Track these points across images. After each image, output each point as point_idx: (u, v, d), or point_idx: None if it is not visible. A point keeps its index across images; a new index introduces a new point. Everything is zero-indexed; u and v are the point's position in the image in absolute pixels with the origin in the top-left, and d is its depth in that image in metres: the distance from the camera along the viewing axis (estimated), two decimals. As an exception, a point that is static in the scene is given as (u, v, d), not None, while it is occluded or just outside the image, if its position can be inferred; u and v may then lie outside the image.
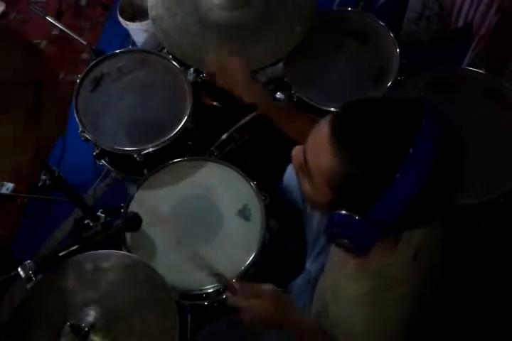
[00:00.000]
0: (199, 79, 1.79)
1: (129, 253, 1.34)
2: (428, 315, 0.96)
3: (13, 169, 1.11)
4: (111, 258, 1.24)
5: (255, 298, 1.02)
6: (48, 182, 1.83)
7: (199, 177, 1.51)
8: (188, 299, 1.37)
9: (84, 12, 2.68)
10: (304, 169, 0.83)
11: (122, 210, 1.45)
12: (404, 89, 1.59)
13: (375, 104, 0.78)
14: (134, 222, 1.28)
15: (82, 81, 1.62)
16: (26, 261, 1.07)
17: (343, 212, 0.78)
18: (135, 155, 1.54)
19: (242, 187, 1.47)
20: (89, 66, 1.65)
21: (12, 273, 1.07)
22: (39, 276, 1.07)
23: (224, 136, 1.71)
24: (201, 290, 1.34)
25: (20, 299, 1.19)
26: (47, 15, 1.82)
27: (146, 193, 1.49)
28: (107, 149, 1.56)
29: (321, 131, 0.78)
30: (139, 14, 2.31)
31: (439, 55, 2.24)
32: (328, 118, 0.79)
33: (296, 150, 0.86)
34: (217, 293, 1.36)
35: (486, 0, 1.97)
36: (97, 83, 1.64)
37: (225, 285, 1.19)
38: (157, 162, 1.53)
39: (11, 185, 2.14)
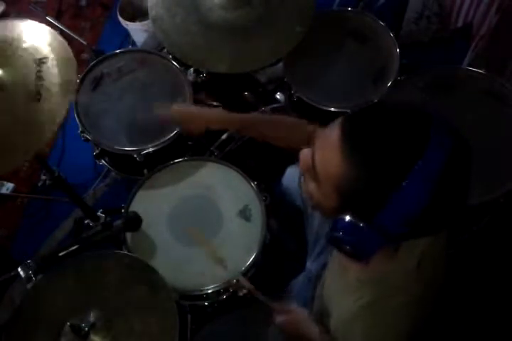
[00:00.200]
0: (199, 79, 1.79)
1: (129, 253, 1.34)
2: (428, 321, 0.96)
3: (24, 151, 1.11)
4: (111, 258, 1.24)
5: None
6: (47, 182, 1.83)
7: (199, 178, 1.51)
8: (188, 299, 1.37)
9: (84, 12, 2.68)
10: (311, 173, 0.82)
11: (122, 210, 1.45)
12: (405, 89, 1.59)
13: (387, 111, 0.77)
14: (134, 222, 1.28)
15: (82, 81, 1.62)
16: (26, 261, 1.07)
17: (348, 217, 0.77)
18: (135, 155, 1.54)
19: (243, 187, 1.47)
20: (89, 66, 1.65)
21: (12, 273, 1.07)
22: (39, 276, 1.07)
23: (224, 136, 1.71)
24: (201, 290, 1.34)
25: (20, 299, 1.19)
26: (47, 15, 1.83)
27: (147, 193, 1.49)
28: (107, 149, 1.56)
29: (332, 136, 0.77)
30: (139, 14, 2.31)
31: (439, 55, 2.24)
32: (338, 122, 0.78)
33: (304, 153, 0.85)
34: (218, 293, 1.36)
35: (486, 0, 1.97)
36: (97, 83, 1.64)
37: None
38: (157, 162, 1.53)
39: (11, 185, 2.14)
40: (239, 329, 1.38)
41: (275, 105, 1.79)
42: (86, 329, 1.09)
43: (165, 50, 1.81)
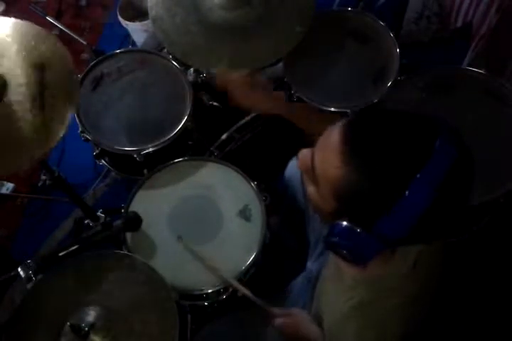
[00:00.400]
0: (199, 79, 1.79)
1: (129, 253, 1.34)
2: (427, 321, 0.96)
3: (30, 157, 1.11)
4: (111, 258, 1.24)
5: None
6: (48, 182, 1.83)
7: (199, 178, 1.51)
8: (188, 299, 1.37)
9: (84, 12, 2.68)
10: (311, 174, 0.81)
11: (122, 210, 1.45)
12: (405, 89, 1.59)
13: (390, 116, 0.76)
14: (134, 222, 1.29)
15: (82, 81, 1.62)
16: (26, 261, 1.07)
17: (345, 223, 0.76)
18: (135, 155, 1.54)
19: (243, 187, 1.47)
20: (89, 66, 1.65)
21: (12, 273, 1.07)
22: (39, 276, 1.07)
23: (224, 136, 1.71)
24: (201, 290, 1.34)
25: (20, 299, 1.19)
26: (47, 15, 1.82)
27: (147, 193, 1.49)
28: (107, 149, 1.56)
29: (332, 139, 0.76)
30: (139, 14, 2.31)
31: (439, 55, 2.24)
32: (339, 125, 0.77)
33: (304, 154, 0.83)
34: (218, 293, 1.36)
35: (485, 0, 1.97)
36: (97, 83, 1.64)
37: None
38: (157, 162, 1.53)
39: (11, 185, 2.14)
40: (238, 329, 1.38)
41: (275, 105, 1.79)
42: (86, 329, 1.09)
43: (165, 50, 1.81)
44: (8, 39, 1.22)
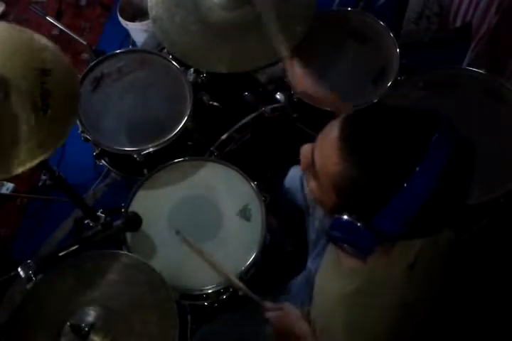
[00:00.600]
0: (199, 79, 1.79)
1: (129, 253, 1.34)
2: (422, 325, 0.96)
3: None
4: (111, 258, 1.24)
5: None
6: (48, 182, 1.83)
7: (199, 178, 1.51)
8: (188, 299, 1.37)
9: (84, 12, 2.68)
10: (311, 170, 0.82)
11: (122, 210, 1.45)
12: (404, 89, 1.59)
13: (388, 112, 0.77)
14: (134, 222, 1.29)
15: (82, 81, 1.62)
16: (26, 261, 1.07)
17: (346, 217, 0.77)
18: (135, 155, 1.54)
19: (243, 187, 1.47)
20: (89, 66, 1.65)
21: (12, 273, 1.07)
22: (39, 276, 1.07)
23: (224, 136, 1.71)
24: (201, 290, 1.34)
25: (20, 299, 1.19)
26: (47, 15, 1.82)
27: (147, 193, 1.49)
28: (107, 149, 1.56)
29: (331, 134, 0.77)
30: (139, 14, 2.32)
31: (439, 55, 2.24)
32: (338, 121, 0.78)
33: (305, 150, 0.85)
34: (218, 293, 1.36)
35: None
36: (97, 83, 1.64)
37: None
38: (157, 162, 1.53)
39: (11, 185, 2.14)
40: (238, 329, 1.38)
41: (275, 105, 1.79)
42: (86, 329, 1.09)
43: (165, 50, 1.81)
44: (10, 45, 1.23)
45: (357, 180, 0.74)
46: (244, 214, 1.43)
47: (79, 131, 1.59)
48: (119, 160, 1.70)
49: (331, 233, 0.81)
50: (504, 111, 1.53)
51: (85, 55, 2.43)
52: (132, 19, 2.27)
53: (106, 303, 1.15)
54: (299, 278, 1.46)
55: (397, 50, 1.63)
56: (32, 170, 2.13)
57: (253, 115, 1.74)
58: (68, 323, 1.10)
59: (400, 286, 0.88)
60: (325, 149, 0.78)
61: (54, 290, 1.19)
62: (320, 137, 0.81)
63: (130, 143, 1.57)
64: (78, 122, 1.57)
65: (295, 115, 1.73)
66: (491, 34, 1.96)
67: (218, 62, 1.50)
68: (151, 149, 1.54)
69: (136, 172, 1.66)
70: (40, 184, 2.16)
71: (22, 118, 1.14)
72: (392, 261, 0.88)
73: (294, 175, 1.59)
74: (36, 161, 1.12)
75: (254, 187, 1.45)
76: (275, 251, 1.45)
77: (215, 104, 1.81)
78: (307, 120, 1.73)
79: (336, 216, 0.79)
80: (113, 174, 2.12)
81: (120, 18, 2.22)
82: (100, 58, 1.66)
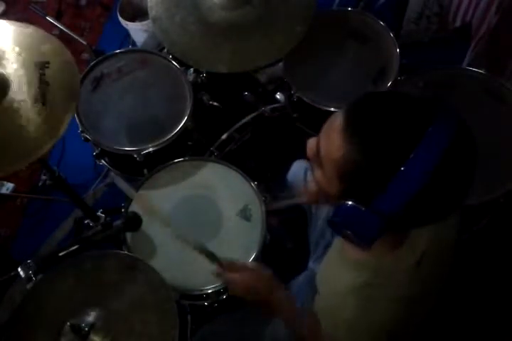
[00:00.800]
0: (199, 79, 1.79)
1: (129, 253, 1.34)
2: (424, 323, 0.96)
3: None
4: (111, 258, 1.24)
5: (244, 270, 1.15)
6: (48, 182, 1.83)
7: (199, 178, 1.51)
8: (188, 299, 1.37)
9: (84, 12, 2.68)
10: (316, 159, 0.84)
11: (122, 210, 1.45)
12: (404, 89, 1.59)
13: (391, 97, 0.79)
14: (134, 222, 1.28)
15: (82, 81, 1.62)
16: (26, 261, 1.07)
17: (349, 202, 0.79)
18: (135, 155, 1.54)
19: (243, 187, 1.47)
20: (89, 66, 1.65)
21: (12, 273, 1.07)
22: (39, 276, 1.07)
23: (224, 136, 1.71)
24: (201, 290, 1.34)
25: (20, 299, 1.19)
26: (47, 15, 1.82)
27: (147, 193, 1.49)
28: (107, 149, 1.56)
29: (335, 121, 0.79)
30: (139, 14, 2.31)
31: (439, 55, 2.24)
32: (343, 108, 0.81)
33: (311, 141, 0.87)
34: (218, 293, 1.36)
35: (485, -1, 1.97)
36: (97, 83, 1.64)
37: (215, 261, 1.20)
38: (157, 162, 1.53)
39: (11, 185, 2.14)
40: (238, 329, 1.38)
41: (275, 105, 1.79)
42: (86, 329, 1.09)
43: (165, 50, 1.81)
44: (10, 39, 1.23)
45: (359, 163, 0.75)
46: (245, 214, 1.43)
47: (79, 131, 1.59)
48: (119, 160, 1.70)
49: (334, 220, 0.82)
50: (504, 111, 1.53)
51: (85, 55, 2.43)
52: (132, 19, 2.27)
53: (106, 303, 1.15)
54: (300, 278, 1.46)
55: (397, 50, 1.63)
56: (32, 170, 2.14)
57: (253, 115, 1.74)
58: (68, 323, 1.10)
59: (406, 281, 0.89)
60: (329, 135, 0.80)
61: (54, 290, 1.19)
62: (325, 126, 0.83)
63: (130, 143, 1.57)
64: (78, 122, 1.57)
65: (295, 115, 1.73)
66: (491, 34, 1.96)
67: (218, 62, 1.50)
68: (151, 149, 1.54)
69: (136, 172, 1.66)
70: (40, 184, 2.16)
71: (21, 111, 1.14)
72: (399, 257, 0.89)
73: (296, 170, 1.59)
74: (35, 156, 1.12)
75: (254, 187, 1.45)
76: (276, 249, 1.45)
77: (215, 104, 1.81)
78: (307, 120, 1.73)
79: (339, 203, 0.81)
80: (113, 174, 2.11)
81: (120, 18, 2.22)
82: (100, 58, 1.66)
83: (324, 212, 1.44)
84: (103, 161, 1.72)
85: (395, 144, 0.73)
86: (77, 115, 1.57)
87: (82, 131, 1.58)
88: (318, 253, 1.45)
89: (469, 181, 0.77)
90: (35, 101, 1.15)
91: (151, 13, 1.54)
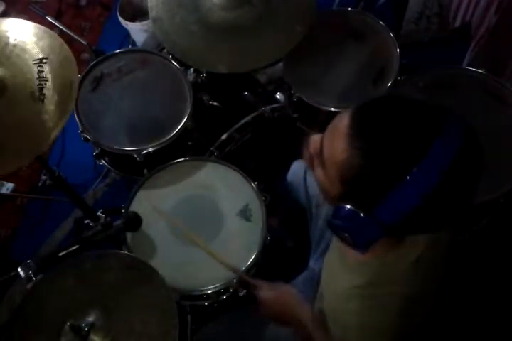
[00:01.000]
0: (199, 79, 1.79)
1: (129, 253, 1.34)
2: (426, 320, 0.96)
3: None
4: (111, 258, 1.24)
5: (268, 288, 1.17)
6: (48, 182, 1.83)
7: (199, 178, 1.51)
8: (188, 299, 1.37)
9: (84, 12, 2.68)
10: (319, 158, 0.84)
11: (123, 210, 1.45)
12: (404, 89, 1.59)
13: (400, 103, 0.77)
14: (134, 222, 1.29)
15: (82, 81, 1.62)
16: (26, 261, 1.07)
17: (349, 206, 0.78)
18: (135, 155, 1.54)
19: (243, 187, 1.47)
20: (89, 66, 1.65)
21: (12, 273, 1.07)
22: (39, 276, 1.07)
23: (224, 136, 1.71)
24: (202, 290, 1.34)
25: (20, 299, 1.19)
26: (47, 15, 1.82)
27: (147, 193, 1.49)
28: (107, 149, 1.56)
29: (341, 123, 0.78)
30: (139, 14, 2.32)
31: (439, 55, 2.24)
32: (349, 110, 0.79)
33: (314, 138, 0.86)
34: (218, 293, 1.36)
35: (484, -1, 1.97)
36: (97, 83, 1.64)
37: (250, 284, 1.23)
38: (157, 162, 1.53)
39: (11, 185, 2.14)
40: (238, 329, 1.38)
41: (275, 105, 1.79)
42: (86, 329, 1.09)
43: (165, 50, 1.81)
44: (9, 35, 1.23)
45: (362, 168, 0.74)
46: (245, 214, 1.43)
47: (79, 131, 1.59)
48: (119, 160, 1.70)
49: (333, 222, 0.82)
50: (504, 111, 1.53)
51: (85, 55, 2.43)
52: (132, 19, 2.27)
53: (106, 303, 1.15)
54: (300, 278, 1.46)
55: (397, 50, 1.63)
56: (32, 170, 2.14)
57: (253, 115, 1.74)
58: (68, 323, 1.10)
59: (407, 278, 0.89)
60: (334, 137, 0.79)
61: (54, 290, 1.19)
62: (330, 126, 0.82)
63: (130, 143, 1.57)
64: (78, 122, 1.57)
65: (295, 115, 1.73)
66: (490, 34, 1.96)
67: (218, 62, 1.50)
68: (151, 149, 1.54)
69: (136, 172, 1.66)
70: (40, 184, 2.16)
71: (20, 109, 1.14)
72: (401, 255, 0.89)
73: (296, 170, 1.59)
74: (36, 152, 1.12)
75: (255, 187, 1.45)
76: (276, 248, 1.45)
77: (215, 104, 1.81)
78: (307, 120, 1.73)
79: (339, 205, 0.80)
80: (113, 174, 2.12)
81: (120, 18, 2.22)
82: (100, 58, 1.66)
83: (324, 211, 1.44)
84: (103, 161, 1.72)
85: (402, 152, 0.72)
86: (77, 115, 1.57)
87: (82, 131, 1.58)
88: (318, 252, 1.45)
89: (473, 192, 0.76)
90: (34, 97, 1.14)
91: (152, 13, 1.54)
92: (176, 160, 1.53)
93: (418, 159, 0.71)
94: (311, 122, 1.72)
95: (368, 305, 0.89)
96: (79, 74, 1.63)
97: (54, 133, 1.13)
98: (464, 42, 2.17)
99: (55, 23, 1.81)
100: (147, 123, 1.60)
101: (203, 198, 1.47)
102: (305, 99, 1.60)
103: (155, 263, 1.30)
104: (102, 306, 1.14)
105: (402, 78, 1.61)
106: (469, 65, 1.99)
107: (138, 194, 1.48)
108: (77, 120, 1.57)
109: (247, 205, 1.44)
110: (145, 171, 1.61)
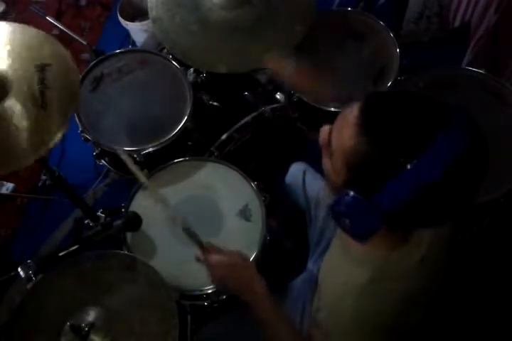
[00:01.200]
0: (199, 79, 1.79)
1: (129, 253, 1.34)
2: (425, 319, 0.96)
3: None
4: (111, 258, 1.24)
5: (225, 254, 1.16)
6: (48, 182, 1.83)
7: (199, 178, 1.51)
8: (188, 299, 1.37)
9: (84, 12, 2.68)
10: (327, 149, 0.86)
11: (122, 210, 1.45)
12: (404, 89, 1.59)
13: (409, 96, 0.80)
14: (134, 222, 1.28)
15: (82, 81, 1.62)
16: (26, 261, 1.07)
17: (352, 193, 0.80)
18: (135, 155, 1.54)
19: (243, 187, 1.47)
20: (89, 66, 1.65)
21: (12, 273, 1.07)
22: (39, 276, 1.07)
23: (224, 136, 1.71)
24: (201, 290, 1.34)
25: (20, 299, 1.19)
26: (47, 15, 1.83)
27: (147, 193, 1.49)
28: (107, 149, 1.56)
29: (350, 114, 0.81)
30: (139, 14, 2.32)
31: (439, 55, 2.24)
32: (358, 102, 0.82)
33: (323, 130, 0.89)
34: (218, 293, 1.36)
35: (484, -1, 1.97)
36: (97, 83, 1.64)
37: (199, 244, 1.21)
38: (157, 162, 1.53)
39: (10, 185, 2.14)
40: (238, 329, 1.38)
41: (275, 105, 1.79)
42: (86, 329, 1.09)
43: (165, 50, 1.81)
44: (10, 41, 1.23)
45: (367, 154, 0.77)
46: (245, 214, 1.43)
47: (79, 131, 1.59)
48: (119, 160, 1.69)
49: (335, 208, 0.83)
50: (504, 111, 1.53)
51: (85, 55, 2.43)
52: (132, 19, 2.27)
53: (106, 303, 1.15)
54: (299, 280, 1.46)
55: (397, 50, 1.63)
56: (32, 170, 2.14)
57: (253, 115, 1.74)
58: (68, 323, 1.10)
59: (410, 276, 0.90)
60: (343, 127, 0.82)
61: (54, 290, 1.19)
62: (339, 117, 0.85)
63: (130, 143, 1.57)
64: (78, 122, 1.57)
65: (295, 115, 1.73)
66: (490, 34, 1.96)
67: (218, 62, 1.50)
68: (151, 149, 1.54)
69: (136, 173, 1.66)
70: (40, 184, 2.16)
71: (21, 115, 1.14)
72: (405, 253, 0.90)
73: (295, 172, 1.59)
74: (35, 157, 1.12)
75: (254, 187, 1.45)
76: (275, 249, 1.45)
77: (215, 104, 1.81)
78: (307, 120, 1.73)
79: (342, 192, 0.82)
80: (113, 174, 2.11)
81: (120, 18, 2.22)
82: (100, 58, 1.66)
83: (323, 213, 1.44)
84: (103, 161, 1.72)
85: (406, 141, 0.74)
86: (77, 115, 1.57)
87: (82, 131, 1.58)
88: (317, 253, 1.45)
89: (475, 189, 0.78)
90: (35, 103, 1.15)
91: (152, 13, 1.54)
92: (175, 160, 1.53)
93: (421, 150, 0.73)
94: (311, 122, 1.72)
95: (366, 302, 0.89)
96: (79, 74, 1.64)
97: (53, 142, 1.13)
98: (463, 42, 2.16)
99: (55, 23, 1.81)
100: (147, 123, 1.60)
101: (203, 198, 1.47)
102: (305, 99, 1.60)
103: (155, 263, 1.30)
104: (102, 306, 1.14)
105: (402, 78, 1.61)
106: (469, 65, 1.99)
107: (138, 194, 1.48)
108: (77, 120, 1.57)
109: (246, 205, 1.44)
110: (145, 171, 1.61)
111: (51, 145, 1.13)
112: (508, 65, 1.85)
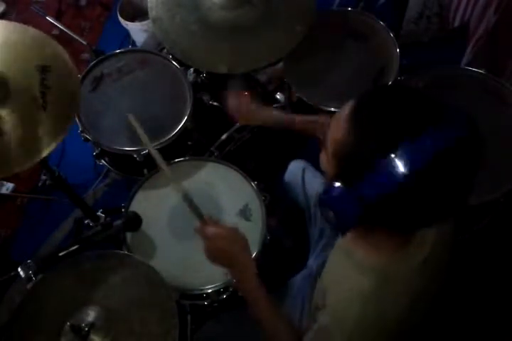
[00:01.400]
0: (199, 79, 1.79)
1: (129, 253, 1.34)
2: (426, 319, 0.97)
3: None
4: (111, 258, 1.24)
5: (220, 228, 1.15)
6: (48, 182, 1.83)
7: (199, 178, 1.51)
8: (188, 299, 1.37)
9: (84, 12, 2.68)
10: (324, 140, 0.88)
11: (122, 210, 1.45)
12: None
13: (401, 91, 0.82)
14: (134, 222, 1.29)
15: (82, 81, 1.62)
16: (26, 261, 1.07)
17: (337, 183, 0.81)
18: (135, 155, 1.54)
19: (243, 187, 1.47)
20: (89, 66, 1.65)
21: (12, 273, 1.07)
22: (39, 276, 1.07)
23: (224, 136, 1.71)
24: (201, 290, 1.34)
25: (20, 299, 1.19)
26: (47, 15, 1.83)
27: (147, 193, 1.49)
28: (107, 149, 1.56)
29: (346, 107, 0.83)
30: (139, 14, 2.32)
31: (439, 55, 2.24)
32: (355, 98, 0.84)
33: (325, 120, 0.95)
34: (218, 293, 1.36)
35: (483, -1, 1.97)
36: (97, 83, 1.64)
37: (199, 216, 1.19)
38: (157, 162, 1.53)
39: (10, 185, 2.14)
40: (238, 329, 1.38)
41: (275, 105, 1.79)
42: (86, 329, 1.09)
43: (165, 50, 1.81)
44: (10, 42, 1.23)
45: (350, 144, 0.79)
46: (245, 214, 1.43)
47: (79, 131, 1.59)
48: (119, 160, 1.70)
49: (321, 197, 0.85)
50: (504, 111, 1.53)
51: (85, 55, 2.43)
52: (132, 19, 2.27)
53: (106, 303, 1.15)
54: (299, 277, 1.46)
55: (397, 50, 1.63)
56: (32, 170, 2.13)
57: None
58: (68, 323, 1.10)
59: (413, 278, 0.91)
60: (337, 120, 0.84)
61: (54, 290, 1.19)
62: (336, 112, 0.87)
63: (130, 143, 1.57)
64: (78, 122, 1.57)
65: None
66: (490, 34, 1.96)
67: (218, 62, 1.50)
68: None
69: (136, 172, 1.66)
70: (40, 184, 2.16)
71: (22, 116, 1.14)
72: (407, 256, 0.90)
73: (294, 170, 1.59)
74: (37, 159, 1.12)
75: (255, 186, 1.45)
76: (275, 248, 1.45)
77: (215, 104, 1.81)
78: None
79: (331, 183, 0.84)
80: (113, 174, 2.11)
81: (120, 18, 2.22)
82: (100, 58, 1.66)
83: None
84: (103, 161, 1.72)
85: (384, 134, 0.75)
86: (77, 115, 1.57)
87: (82, 131, 1.58)
88: (317, 251, 1.45)
89: (463, 186, 0.78)
90: (37, 105, 1.15)
91: (151, 13, 1.54)
92: (176, 160, 1.53)
93: (400, 140, 0.74)
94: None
95: (371, 307, 0.89)
96: (79, 74, 1.64)
97: (54, 144, 1.14)
98: (463, 42, 2.17)
99: (55, 23, 1.81)
100: (147, 123, 1.59)
101: (203, 198, 1.47)
102: (305, 99, 1.60)
103: (155, 263, 1.30)
104: (102, 306, 1.14)
105: (402, 78, 1.61)
106: (467, 65, 1.99)
107: (138, 194, 1.48)
108: (77, 120, 1.57)
109: (246, 205, 1.44)
110: (145, 171, 1.61)
111: (52, 146, 1.13)
112: (508, 65, 1.85)
